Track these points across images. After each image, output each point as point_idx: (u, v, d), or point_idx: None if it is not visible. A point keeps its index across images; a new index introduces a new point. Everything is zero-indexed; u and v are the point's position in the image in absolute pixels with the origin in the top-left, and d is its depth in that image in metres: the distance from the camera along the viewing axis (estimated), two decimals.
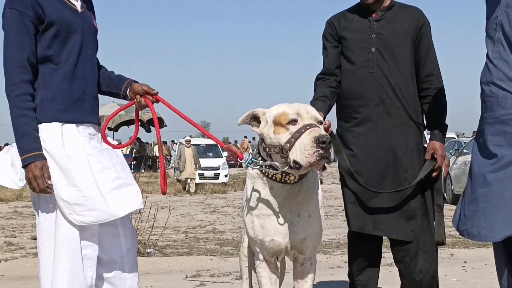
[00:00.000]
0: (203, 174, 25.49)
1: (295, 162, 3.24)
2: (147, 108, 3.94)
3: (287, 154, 3.27)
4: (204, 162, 24.86)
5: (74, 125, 3.60)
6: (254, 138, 39.56)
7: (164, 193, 3.83)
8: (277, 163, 3.38)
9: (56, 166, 3.48)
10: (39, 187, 3.41)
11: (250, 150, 39.38)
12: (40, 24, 3.52)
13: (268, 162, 3.46)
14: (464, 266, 7.34)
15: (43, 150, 3.46)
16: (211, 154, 27.50)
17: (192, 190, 22.83)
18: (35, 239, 10.93)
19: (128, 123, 27.65)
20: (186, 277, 7.06)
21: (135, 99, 3.85)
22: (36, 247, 9.63)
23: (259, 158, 3.55)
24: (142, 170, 34.43)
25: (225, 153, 27.65)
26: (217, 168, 25.91)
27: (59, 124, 3.55)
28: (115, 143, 3.90)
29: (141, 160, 34.34)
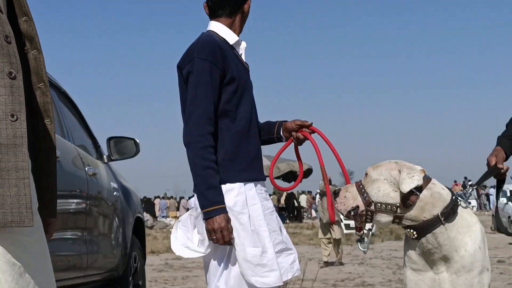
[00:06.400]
0: (349, 224, 25.20)
1: None
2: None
3: None
4: None
5: (253, 184, 3.65)
6: None
7: (333, 221, 3.85)
8: None
9: (240, 226, 3.52)
10: (225, 238, 3.45)
11: None
12: (223, 78, 3.59)
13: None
14: None
15: (229, 210, 3.51)
16: None
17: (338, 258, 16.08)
18: None
19: (284, 176, 27.83)
20: None
21: (292, 137, 3.87)
22: None
23: None
24: (287, 221, 34.77)
25: None
26: None
27: (242, 184, 3.60)
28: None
29: (286, 210, 34.56)
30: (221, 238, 3.45)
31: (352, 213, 3.65)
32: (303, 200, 45.32)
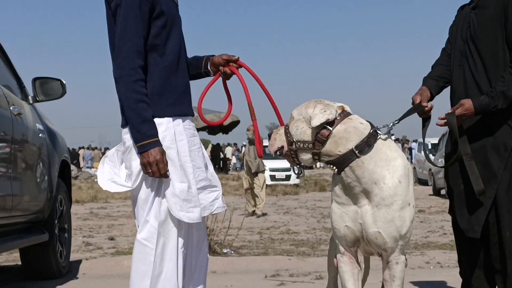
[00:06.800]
0: (274, 175, 25.46)
1: None
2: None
3: None
4: (275, 163, 24.12)
5: (181, 119, 3.63)
6: None
7: (260, 156, 3.89)
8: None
9: (169, 161, 3.51)
10: (161, 171, 3.44)
11: None
12: (152, 12, 3.54)
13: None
14: None
15: None
16: None
17: (259, 210, 15.65)
18: (112, 239, 11.18)
19: (209, 128, 27.67)
20: (266, 277, 7.03)
21: (220, 71, 3.87)
22: (113, 247, 9.73)
23: None
24: None
25: None
26: (289, 169, 25.26)
27: (171, 119, 3.58)
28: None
29: (212, 162, 34.67)
30: (157, 171, 3.44)
31: (278, 153, 3.76)
32: (228, 152, 45.43)
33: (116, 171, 3.68)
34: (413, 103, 4.20)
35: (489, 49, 4.10)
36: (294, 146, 3.69)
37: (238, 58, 3.86)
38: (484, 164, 4.09)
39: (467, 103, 4.02)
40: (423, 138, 4.28)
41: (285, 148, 3.73)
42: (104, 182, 3.67)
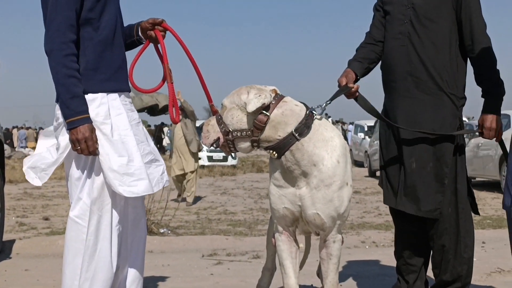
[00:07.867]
0: (212, 156, 25.44)
1: None
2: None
3: None
4: None
5: (117, 94, 3.57)
6: None
7: (174, 122, 3.81)
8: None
9: (104, 136, 3.45)
10: (90, 149, 3.39)
11: None
12: None
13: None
14: (483, 246, 7.30)
15: (92, 120, 3.43)
16: None
17: (189, 198, 13.47)
18: (46, 219, 11.02)
19: (149, 109, 27.51)
20: (203, 256, 7.04)
21: (148, 37, 3.84)
22: (48, 227, 9.56)
23: None
24: None
25: None
26: None
27: (105, 94, 3.52)
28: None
29: (157, 141, 34.42)
30: (85, 148, 3.39)
31: (215, 145, 3.70)
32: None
33: (41, 160, 3.63)
34: (339, 85, 4.24)
35: (438, 30, 4.16)
36: (231, 136, 3.62)
37: (163, 20, 3.82)
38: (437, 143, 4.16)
39: (488, 119, 4.11)
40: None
41: (221, 140, 3.65)
42: (33, 180, 3.61)
